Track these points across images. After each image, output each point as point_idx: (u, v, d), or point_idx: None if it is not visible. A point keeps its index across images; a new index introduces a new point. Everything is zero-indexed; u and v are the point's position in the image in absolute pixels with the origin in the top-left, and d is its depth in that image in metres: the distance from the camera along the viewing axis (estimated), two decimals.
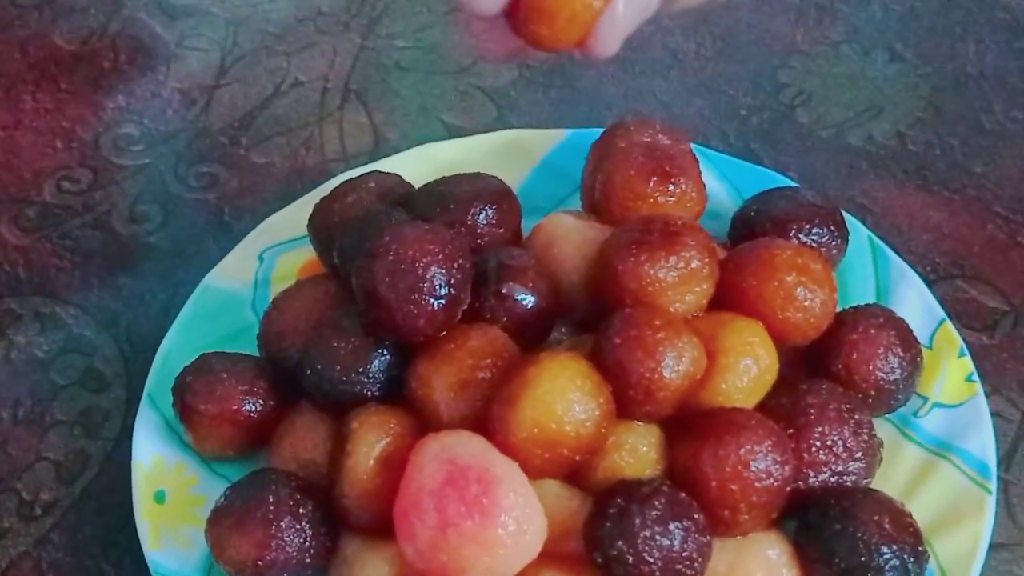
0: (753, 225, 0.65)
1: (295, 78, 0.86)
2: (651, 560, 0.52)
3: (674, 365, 0.54)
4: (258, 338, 0.64)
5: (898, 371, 0.60)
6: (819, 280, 0.59)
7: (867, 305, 0.63)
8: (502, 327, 0.58)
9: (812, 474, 0.57)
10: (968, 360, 0.63)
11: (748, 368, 0.57)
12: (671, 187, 0.63)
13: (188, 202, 0.78)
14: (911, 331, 0.62)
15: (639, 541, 0.51)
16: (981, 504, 0.58)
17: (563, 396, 0.53)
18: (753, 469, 0.54)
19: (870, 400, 0.60)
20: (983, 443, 0.60)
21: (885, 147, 0.79)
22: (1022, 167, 0.78)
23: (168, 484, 0.61)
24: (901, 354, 0.60)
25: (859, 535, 0.54)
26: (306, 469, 0.59)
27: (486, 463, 0.52)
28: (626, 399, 0.55)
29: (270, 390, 0.61)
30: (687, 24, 0.85)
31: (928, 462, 0.61)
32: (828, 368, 0.60)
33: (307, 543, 0.55)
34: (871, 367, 0.60)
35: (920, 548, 0.55)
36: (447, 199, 0.63)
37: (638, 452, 0.56)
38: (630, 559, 0.51)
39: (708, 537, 0.53)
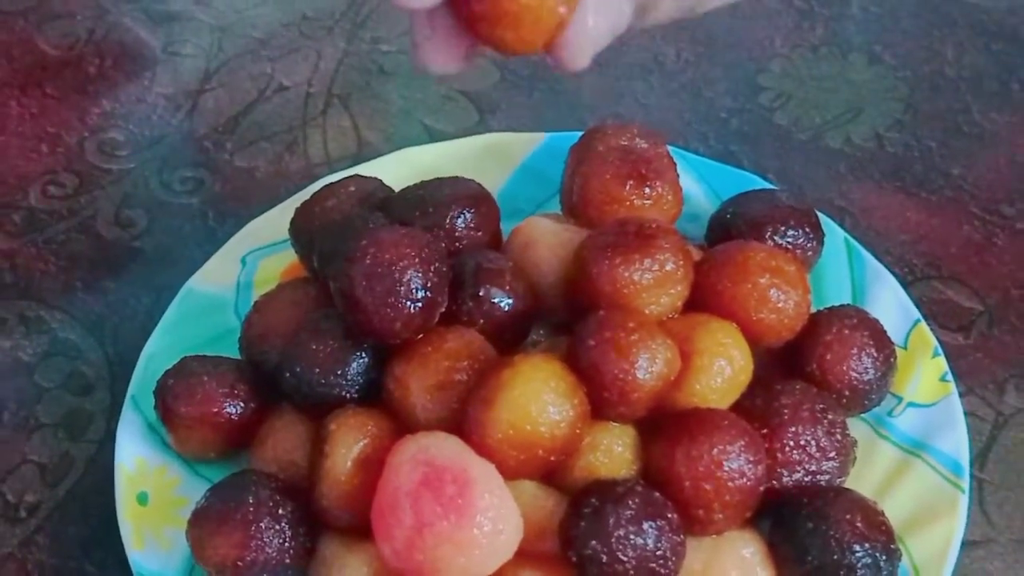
0: (729, 227, 0.66)
1: (279, 83, 0.87)
2: (625, 559, 0.52)
3: (648, 367, 0.55)
4: (239, 341, 0.64)
5: (872, 371, 0.61)
6: (792, 282, 0.60)
7: (841, 306, 0.63)
8: (479, 330, 0.59)
9: (786, 473, 0.57)
10: (942, 360, 0.64)
11: (722, 369, 0.57)
12: (647, 190, 0.64)
13: (173, 207, 0.79)
14: (885, 332, 0.62)
15: (613, 540, 0.52)
16: (954, 502, 0.59)
17: (537, 398, 0.53)
18: (726, 469, 0.54)
19: (844, 400, 0.61)
20: (956, 442, 0.61)
21: (863, 149, 0.80)
22: (999, 169, 0.79)
23: (151, 486, 0.62)
24: (875, 354, 0.61)
25: (831, 533, 0.55)
26: (286, 471, 0.59)
27: (462, 464, 0.52)
28: (601, 400, 0.55)
29: (251, 392, 0.61)
30: (667, 29, 0.86)
31: (902, 461, 0.61)
32: (802, 369, 0.61)
33: (286, 544, 0.56)
34: (844, 367, 0.60)
35: (892, 546, 0.56)
36: (426, 203, 0.64)
37: (613, 453, 0.56)
38: (604, 558, 0.52)
39: (682, 536, 0.54)
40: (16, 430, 0.68)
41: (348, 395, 0.58)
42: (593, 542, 0.52)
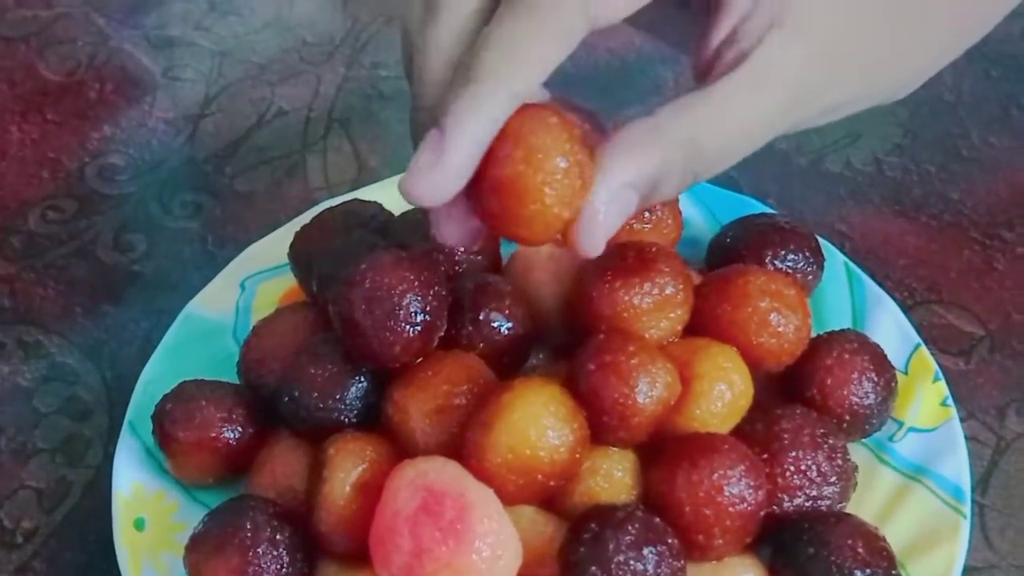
0: (729, 251, 0.66)
1: (279, 107, 0.87)
2: None
3: (648, 391, 0.55)
4: (238, 366, 0.64)
5: (872, 396, 0.61)
6: (793, 306, 0.60)
7: (841, 330, 0.63)
8: (479, 353, 0.59)
9: (786, 499, 0.57)
10: (943, 384, 0.64)
11: (722, 393, 0.57)
12: (647, 214, 0.64)
13: (172, 231, 0.79)
14: (885, 356, 0.62)
15: (613, 566, 0.52)
16: (955, 528, 0.59)
17: (537, 422, 0.53)
18: (727, 494, 0.54)
19: (844, 425, 0.60)
20: (958, 467, 0.61)
21: (863, 173, 0.80)
22: (998, 193, 0.79)
23: (148, 511, 0.61)
24: (875, 379, 0.61)
25: (833, 559, 0.55)
26: (284, 496, 0.59)
27: (461, 489, 0.52)
28: (600, 425, 0.55)
29: (249, 417, 0.61)
30: (667, 55, 0.86)
31: (903, 486, 0.61)
32: (803, 393, 0.61)
33: (284, 569, 0.55)
34: (845, 392, 0.60)
35: (894, 572, 0.55)
36: (426, 227, 0.64)
37: (613, 477, 0.56)
38: None
39: (682, 562, 0.53)
40: (14, 455, 0.68)
41: (347, 419, 0.58)
42: (593, 568, 0.52)
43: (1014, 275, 0.74)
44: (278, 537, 0.56)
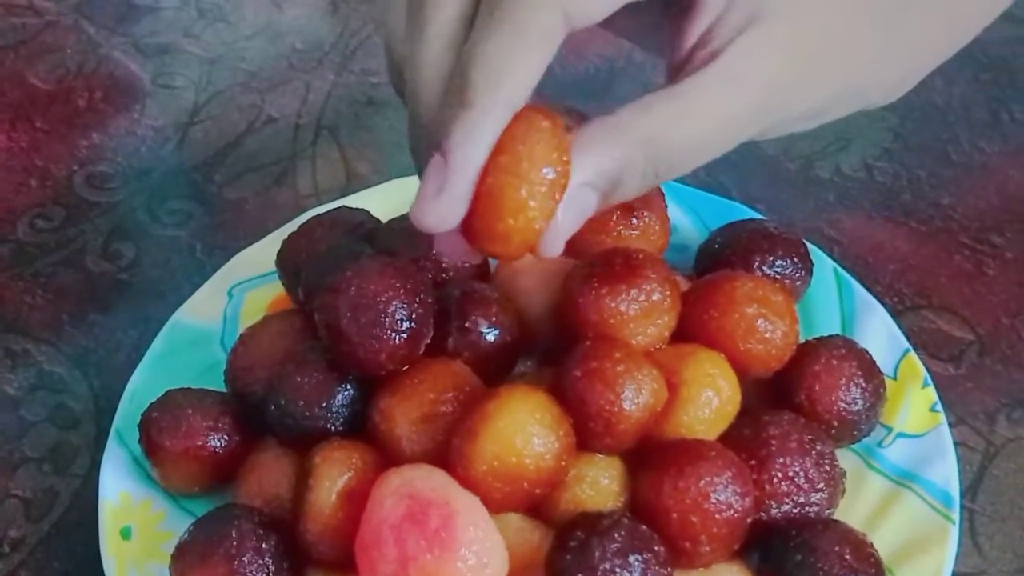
0: (717, 257, 0.66)
1: (269, 115, 0.87)
2: None
3: (634, 397, 0.55)
4: (225, 374, 0.64)
5: (860, 402, 0.60)
6: (780, 312, 0.60)
7: (829, 336, 0.63)
8: (465, 361, 0.59)
9: (774, 505, 0.57)
10: (932, 390, 0.64)
11: (710, 400, 0.57)
12: (635, 220, 0.64)
13: (161, 239, 0.79)
14: (873, 361, 0.62)
15: (599, 573, 0.51)
16: (944, 534, 0.58)
17: (522, 429, 0.53)
18: (713, 500, 0.54)
19: (833, 431, 0.60)
20: (947, 473, 0.61)
21: (853, 179, 0.80)
22: (988, 198, 0.79)
23: (135, 520, 0.61)
24: (863, 385, 0.61)
25: (820, 566, 0.54)
26: (271, 504, 0.59)
27: (446, 497, 0.52)
28: (587, 432, 0.55)
29: (235, 426, 0.61)
30: (658, 60, 0.86)
31: (892, 492, 0.61)
32: (791, 399, 0.60)
33: None
34: (833, 398, 0.60)
35: None
36: (412, 234, 0.64)
37: (599, 485, 0.56)
38: None
39: (669, 569, 0.53)
40: (1, 464, 0.68)
41: (333, 427, 0.58)
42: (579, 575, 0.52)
43: (1004, 280, 0.74)
44: (264, 546, 0.55)
